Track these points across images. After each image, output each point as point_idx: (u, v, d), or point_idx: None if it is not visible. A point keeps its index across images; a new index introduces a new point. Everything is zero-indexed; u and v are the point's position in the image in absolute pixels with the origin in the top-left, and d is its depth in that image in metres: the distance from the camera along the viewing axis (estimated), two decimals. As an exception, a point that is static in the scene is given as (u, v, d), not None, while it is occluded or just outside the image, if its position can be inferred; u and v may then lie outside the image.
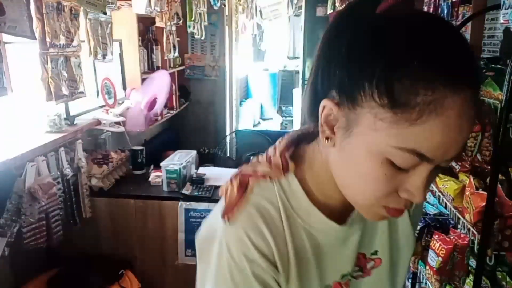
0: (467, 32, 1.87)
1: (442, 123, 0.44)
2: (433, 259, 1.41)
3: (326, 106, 0.50)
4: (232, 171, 0.63)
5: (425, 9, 1.81)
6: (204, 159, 2.75)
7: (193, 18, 3.18)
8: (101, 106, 2.44)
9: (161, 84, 2.58)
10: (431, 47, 0.44)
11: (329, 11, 2.77)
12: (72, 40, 1.82)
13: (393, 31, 0.46)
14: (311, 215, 0.58)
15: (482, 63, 1.33)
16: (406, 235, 0.68)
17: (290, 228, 0.57)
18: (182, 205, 2.16)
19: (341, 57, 0.49)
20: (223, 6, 3.87)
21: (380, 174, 0.48)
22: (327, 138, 0.52)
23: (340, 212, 0.60)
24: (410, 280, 1.93)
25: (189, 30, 3.28)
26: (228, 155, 3.75)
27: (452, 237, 1.38)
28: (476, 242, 1.27)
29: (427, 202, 1.63)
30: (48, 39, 1.66)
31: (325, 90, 0.52)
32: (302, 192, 0.58)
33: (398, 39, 0.45)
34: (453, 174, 1.58)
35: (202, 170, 2.56)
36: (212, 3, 3.32)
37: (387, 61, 0.45)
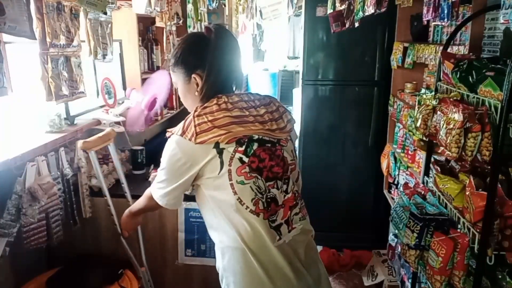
0: (467, 32, 1.87)
1: None
2: (433, 259, 1.41)
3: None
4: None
5: (425, 9, 1.80)
6: (204, 159, 2.75)
7: (199, 18, 3.17)
8: (101, 106, 2.43)
9: (161, 84, 2.57)
10: None
11: (329, 11, 2.76)
12: (72, 40, 1.82)
13: None
14: None
15: (482, 63, 1.32)
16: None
17: None
18: (182, 205, 2.16)
19: None
20: (223, 6, 3.86)
21: None
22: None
23: None
24: (410, 280, 1.93)
25: (189, 30, 3.27)
26: (228, 155, 3.72)
27: (452, 237, 1.38)
28: (476, 242, 1.27)
29: (427, 202, 1.62)
30: (48, 39, 1.66)
31: None
32: None
33: None
34: (453, 174, 1.58)
35: (202, 170, 2.56)
36: (208, 3, 3.30)
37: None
